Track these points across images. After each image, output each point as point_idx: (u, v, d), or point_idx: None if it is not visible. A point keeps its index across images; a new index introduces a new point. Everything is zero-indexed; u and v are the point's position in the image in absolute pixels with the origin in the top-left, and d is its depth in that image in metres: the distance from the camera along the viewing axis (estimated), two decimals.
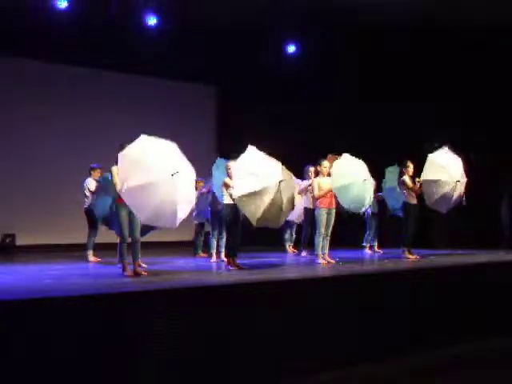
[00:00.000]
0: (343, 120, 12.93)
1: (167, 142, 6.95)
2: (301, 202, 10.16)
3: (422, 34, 11.81)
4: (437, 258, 9.75)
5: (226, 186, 7.90)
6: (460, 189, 9.45)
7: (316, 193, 8.81)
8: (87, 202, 9.57)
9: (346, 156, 9.04)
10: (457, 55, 12.07)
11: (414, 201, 9.57)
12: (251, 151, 7.75)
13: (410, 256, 9.53)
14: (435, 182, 9.30)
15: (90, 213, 9.53)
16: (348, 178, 8.85)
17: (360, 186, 8.87)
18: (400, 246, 9.75)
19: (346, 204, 8.82)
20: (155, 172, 6.63)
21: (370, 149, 9.87)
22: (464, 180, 9.53)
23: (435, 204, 9.42)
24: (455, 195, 9.41)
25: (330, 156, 9.40)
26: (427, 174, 9.33)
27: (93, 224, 9.57)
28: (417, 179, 9.43)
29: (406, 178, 9.54)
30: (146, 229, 7.99)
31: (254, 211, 7.44)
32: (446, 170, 9.39)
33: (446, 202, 9.41)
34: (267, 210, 7.48)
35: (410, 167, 9.56)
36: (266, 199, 7.49)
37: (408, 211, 9.54)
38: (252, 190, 7.44)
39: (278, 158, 7.99)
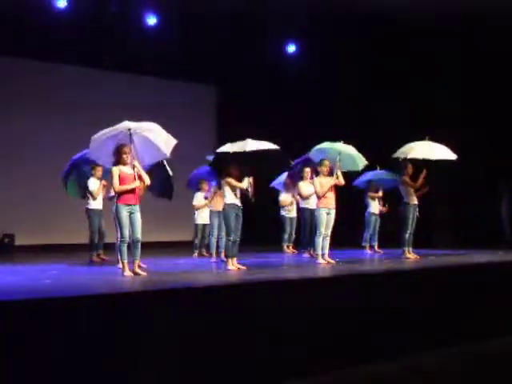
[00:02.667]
0: (343, 120, 12.91)
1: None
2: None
3: (422, 34, 11.82)
4: (437, 258, 9.75)
5: (229, 184, 7.86)
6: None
7: (318, 190, 8.82)
8: (89, 202, 9.51)
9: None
10: (456, 55, 12.08)
11: (413, 201, 9.57)
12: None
13: (410, 256, 9.53)
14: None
15: (91, 213, 9.53)
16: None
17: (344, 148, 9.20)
18: (400, 246, 9.76)
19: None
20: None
21: (369, 148, 9.87)
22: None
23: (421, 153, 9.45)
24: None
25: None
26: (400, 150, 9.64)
27: (94, 224, 9.55)
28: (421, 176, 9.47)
29: (407, 178, 9.55)
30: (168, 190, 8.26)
31: None
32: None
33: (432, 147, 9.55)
34: None
35: (410, 167, 9.57)
36: None
37: (408, 211, 9.53)
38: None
39: None
